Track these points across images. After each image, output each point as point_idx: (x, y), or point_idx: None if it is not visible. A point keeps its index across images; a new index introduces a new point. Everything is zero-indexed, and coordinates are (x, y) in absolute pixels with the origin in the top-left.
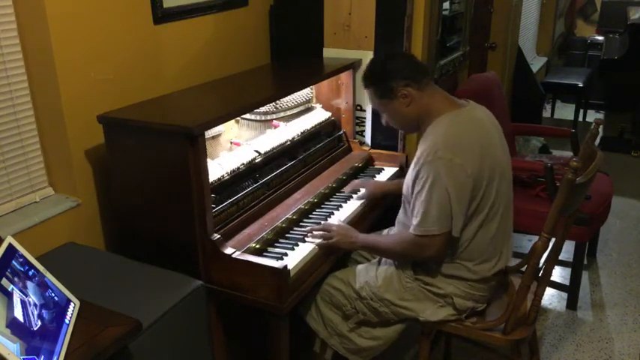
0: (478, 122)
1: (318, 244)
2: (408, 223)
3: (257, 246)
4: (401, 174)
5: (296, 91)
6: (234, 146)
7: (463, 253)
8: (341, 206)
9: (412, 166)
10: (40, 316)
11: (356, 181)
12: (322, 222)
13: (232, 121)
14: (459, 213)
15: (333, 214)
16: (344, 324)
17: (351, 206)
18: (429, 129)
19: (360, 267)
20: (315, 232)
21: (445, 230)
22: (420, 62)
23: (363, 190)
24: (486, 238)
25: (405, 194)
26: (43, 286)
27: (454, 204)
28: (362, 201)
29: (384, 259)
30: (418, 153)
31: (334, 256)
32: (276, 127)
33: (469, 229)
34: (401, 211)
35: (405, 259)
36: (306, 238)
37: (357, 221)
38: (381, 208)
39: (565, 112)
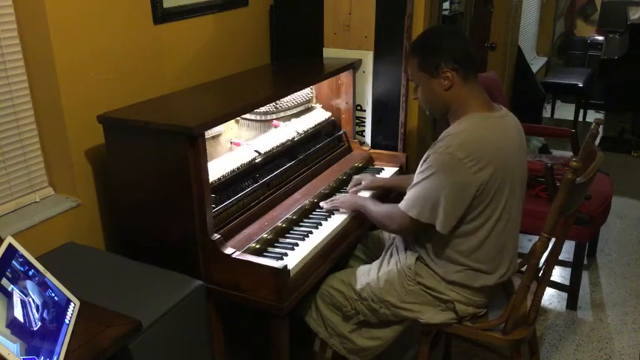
0: (504, 130)
1: (327, 208)
2: None
3: (257, 246)
4: (401, 174)
5: (296, 91)
6: (234, 146)
7: (469, 260)
8: None
9: (427, 151)
10: (40, 316)
11: (356, 177)
12: (327, 212)
13: (232, 121)
14: (451, 212)
15: (333, 213)
16: (344, 325)
17: None
18: (455, 124)
19: (361, 268)
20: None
21: (421, 220)
22: (474, 53)
23: (363, 181)
24: (494, 248)
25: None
26: (43, 286)
27: (448, 202)
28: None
29: (385, 261)
30: (437, 141)
31: (335, 254)
32: (276, 127)
33: (477, 236)
34: None
35: (377, 223)
36: (321, 203)
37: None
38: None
39: (565, 112)
